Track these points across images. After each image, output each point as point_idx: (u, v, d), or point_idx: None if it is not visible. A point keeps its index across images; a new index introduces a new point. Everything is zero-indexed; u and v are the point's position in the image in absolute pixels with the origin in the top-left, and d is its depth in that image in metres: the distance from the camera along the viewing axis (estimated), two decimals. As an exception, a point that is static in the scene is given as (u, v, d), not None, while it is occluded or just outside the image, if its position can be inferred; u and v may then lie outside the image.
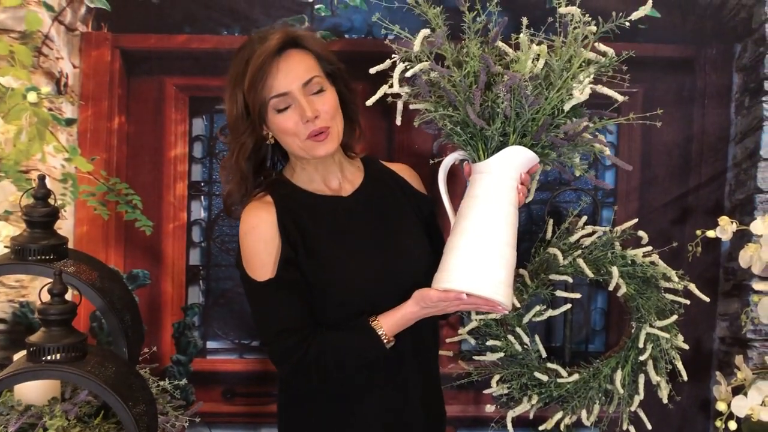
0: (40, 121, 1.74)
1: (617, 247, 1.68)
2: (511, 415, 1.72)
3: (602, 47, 1.39)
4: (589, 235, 1.70)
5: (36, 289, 1.81)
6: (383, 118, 1.82)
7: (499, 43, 1.40)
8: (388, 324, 1.33)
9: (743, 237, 1.75)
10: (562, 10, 1.37)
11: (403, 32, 1.42)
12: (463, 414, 1.91)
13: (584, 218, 1.75)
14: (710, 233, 1.68)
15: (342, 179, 1.44)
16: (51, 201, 1.44)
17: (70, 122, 1.80)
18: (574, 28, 1.35)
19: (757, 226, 1.62)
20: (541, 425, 1.75)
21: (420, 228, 1.47)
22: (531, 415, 1.75)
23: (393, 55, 1.41)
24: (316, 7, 1.80)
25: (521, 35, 1.37)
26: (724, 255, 1.90)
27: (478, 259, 1.28)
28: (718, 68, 1.85)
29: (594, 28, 1.36)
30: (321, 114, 1.32)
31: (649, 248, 1.69)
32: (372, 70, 1.42)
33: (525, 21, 1.39)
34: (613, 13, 1.35)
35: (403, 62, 1.38)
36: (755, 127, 1.84)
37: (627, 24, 1.35)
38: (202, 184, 1.86)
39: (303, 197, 1.39)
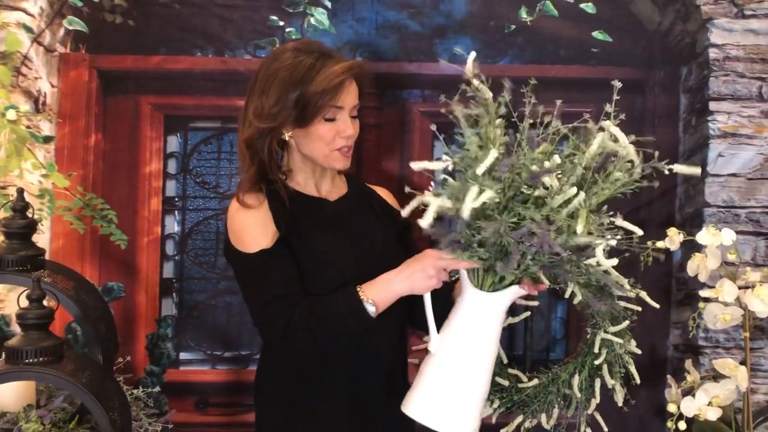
0: (18, 138, 1.80)
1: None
2: (474, 419, 1.78)
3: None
4: (547, 246, 1.78)
5: (12, 302, 1.85)
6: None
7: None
8: (370, 288, 1.37)
9: (693, 248, 1.85)
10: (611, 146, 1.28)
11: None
12: (430, 422, 1.97)
13: (542, 230, 1.83)
14: (660, 244, 1.78)
15: (331, 186, 1.56)
16: (29, 213, 1.50)
17: (47, 139, 1.86)
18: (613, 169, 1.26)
19: (703, 236, 1.72)
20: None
21: (390, 235, 1.58)
22: (493, 420, 1.82)
23: (444, 156, 1.29)
24: (287, 30, 1.89)
25: (551, 180, 1.23)
26: (676, 266, 2.00)
27: (454, 398, 1.28)
28: (666, 89, 1.96)
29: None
30: (354, 135, 1.48)
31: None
32: (415, 166, 1.26)
33: (557, 160, 1.25)
34: (656, 154, 1.31)
35: (472, 180, 1.22)
36: (702, 144, 1.96)
37: (666, 171, 1.32)
38: (176, 199, 1.92)
39: (294, 195, 1.48)
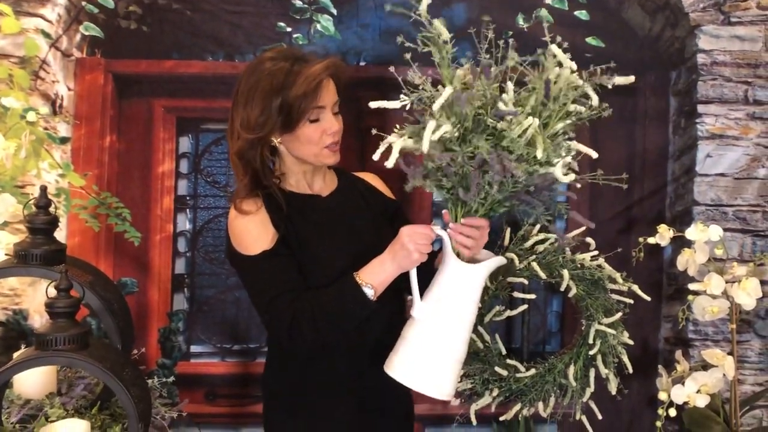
0: (36, 139, 1.88)
1: (567, 252, 1.86)
2: (474, 408, 1.87)
3: (590, 92, 1.38)
4: (543, 241, 1.87)
5: (30, 296, 1.93)
6: (356, 138, 2.00)
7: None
8: (365, 273, 1.43)
9: (683, 244, 1.94)
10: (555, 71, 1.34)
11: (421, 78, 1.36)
12: (431, 412, 2.05)
13: (538, 226, 1.91)
14: (651, 240, 1.86)
15: (323, 183, 1.61)
16: (51, 210, 1.57)
17: (64, 140, 1.94)
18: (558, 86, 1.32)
19: (692, 232, 1.81)
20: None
21: (382, 222, 1.63)
22: (493, 408, 1.90)
23: (402, 95, 1.36)
24: (294, 36, 1.97)
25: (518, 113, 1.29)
26: (667, 262, 2.08)
27: (435, 361, 1.36)
28: (657, 93, 2.05)
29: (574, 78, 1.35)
30: (339, 131, 1.52)
31: (596, 252, 1.87)
32: (373, 104, 1.37)
33: (511, 88, 1.30)
34: (598, 69, 1.38)
35: (429, 117, 1.31)
36: (690, 145, 2.05)
37: (610, 85, 1.39)
38: (188, 198, 2.00)
39: (289, 197, 1.54)
